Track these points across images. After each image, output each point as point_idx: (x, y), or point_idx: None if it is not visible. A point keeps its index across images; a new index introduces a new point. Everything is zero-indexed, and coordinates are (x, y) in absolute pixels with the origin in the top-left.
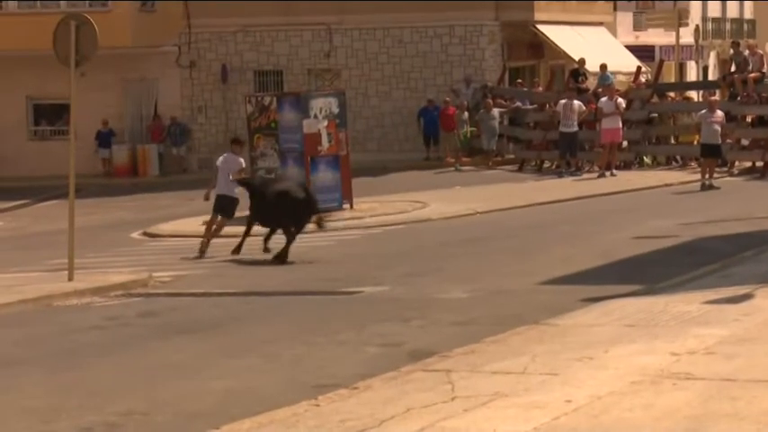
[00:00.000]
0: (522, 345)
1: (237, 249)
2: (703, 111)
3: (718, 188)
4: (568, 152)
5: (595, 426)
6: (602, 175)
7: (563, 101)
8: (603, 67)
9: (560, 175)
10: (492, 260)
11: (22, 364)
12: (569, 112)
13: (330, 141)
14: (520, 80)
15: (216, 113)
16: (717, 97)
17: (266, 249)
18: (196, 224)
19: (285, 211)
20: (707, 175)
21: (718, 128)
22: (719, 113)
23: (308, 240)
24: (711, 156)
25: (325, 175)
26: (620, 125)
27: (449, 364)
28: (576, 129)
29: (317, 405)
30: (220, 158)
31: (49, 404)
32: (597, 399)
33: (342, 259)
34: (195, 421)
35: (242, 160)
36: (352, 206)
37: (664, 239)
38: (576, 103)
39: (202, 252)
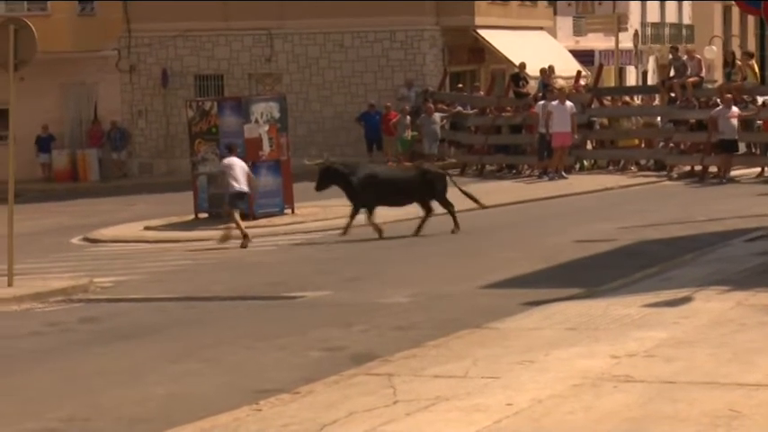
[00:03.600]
0: (463, 349)
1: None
2: (719, 107)
3: (738, 181)
4: (546, 153)
5: (536, 429)
6: (553, 179)
7: (541, 102)
8: (543, 71)
9: (552, 178)
10: (433, 264)
11: None
12: (546, 114)
13: (271, 146)
14: (460, 84)
15: (156, 118)
16: (730, 95)
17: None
18: (137, 229)
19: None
20: (723, 170)
21: (735, 123)
22: (735, 109)
23: (250, 245)
24: (729, 150)
25: (266, 180)
26: (570, 129)
27: (391, 368)
28: (553, 130)
29: (259, 410)
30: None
31: None
32: (538, 402)
33: (284, 264)
34: (136, 427)
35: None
36: (293, 211)
37: (604, 243)
38: (569, 104)
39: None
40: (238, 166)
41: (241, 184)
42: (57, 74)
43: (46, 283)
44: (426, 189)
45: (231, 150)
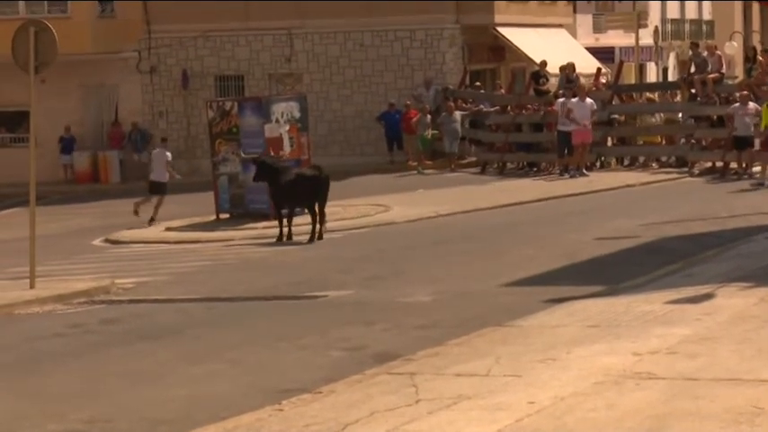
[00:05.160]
0: (485, 347)
1: (281, 237)
2: (736, 105)
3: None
4: (566, 151)
5: (559, 427)
6: (574, 176)
7: (560, 100)
8: (563, 68)
9: (573, 176)
10: (455, 263)
11: None
12: (566, 111)
13: (292, 146)
14: (478, 83)
15: (177, 119)
16: (747, 92)
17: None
18: (158, 230)
19: (306, 190)
20: (743, 165)
21: (749, 120)
22: (751, 106)
23: (271, 245)
24: (744, 147)
25: None
26: (590, 126)
27: (413, 366)
28: (573, 128)
29: (281, 410)
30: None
31: (11, 412)
32: (560, 400)
33: (305, 263)
34: (159, 428)
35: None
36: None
37: (626, 240)
38: (589, 101)
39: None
40: (161, 157)
41: (158, 175)
42: (77, 76)
43: (68, 285)
44: (322, 192)
45: (163, 141)
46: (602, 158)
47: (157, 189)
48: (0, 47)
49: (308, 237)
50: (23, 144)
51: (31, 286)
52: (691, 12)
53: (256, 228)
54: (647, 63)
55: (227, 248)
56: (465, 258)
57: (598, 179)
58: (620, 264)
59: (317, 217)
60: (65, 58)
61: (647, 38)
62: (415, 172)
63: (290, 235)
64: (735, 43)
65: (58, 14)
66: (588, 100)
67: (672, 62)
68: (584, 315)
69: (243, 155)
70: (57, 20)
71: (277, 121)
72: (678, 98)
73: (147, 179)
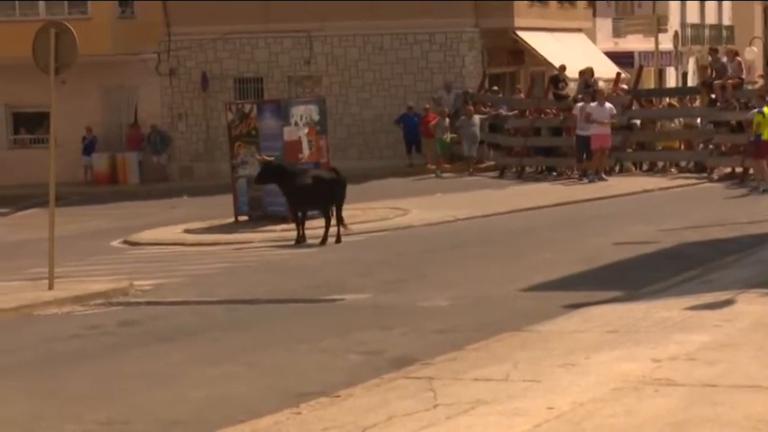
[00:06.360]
0: (504, 351)
1: (299, 240)
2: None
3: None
4: (584, 155)
5: None
6: (592, 181)
7: (579, 104)
8: (582, 73)
9: (591, 180)
10: (473, 267)
11: (1, 373)
12: (585, 115)
13: (311, 148)
14: (495, 87)
15: (196, 121)
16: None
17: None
18: (176, 232)
19: (322, 193)
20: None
21: None
22: None
23: (289, 247)
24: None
25: None
26: (610, 131)
27: (431, 371)
28: (591, 132)
29: (299, 413)
30: None
31: (28, 413)
32: (579, 405)
33: (323, 266)
34: (175, 429)
35: None
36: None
37: (645, 245)
38: (608, 106)
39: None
40: None
41: None
42: (97, 77)
43: (86, 286)
44: (338, 195)
45: None
46: (621, 163)
47: None
48: (21, 48)
49: (332, 240)
50: (43, 145)
51: (50, 287)
52: (711, 16)
53: (275, 230)
54: (667, 68)
55: (245, 251)
56: (483, 262)
57: (617, 184)
58: (639, 269)
59: (332, 220)
60: (84, 60)
61: (666, 42)
62: (434, 175)
63: (303, 238)
64: (755, 48)
65: (78, 16)
66: (607, 105)
67: (691, 67)
68: (602, 320)
69: (257, 157)
70: (77, 21)
71: (296, 123)
72: (698, 103)
73: None
